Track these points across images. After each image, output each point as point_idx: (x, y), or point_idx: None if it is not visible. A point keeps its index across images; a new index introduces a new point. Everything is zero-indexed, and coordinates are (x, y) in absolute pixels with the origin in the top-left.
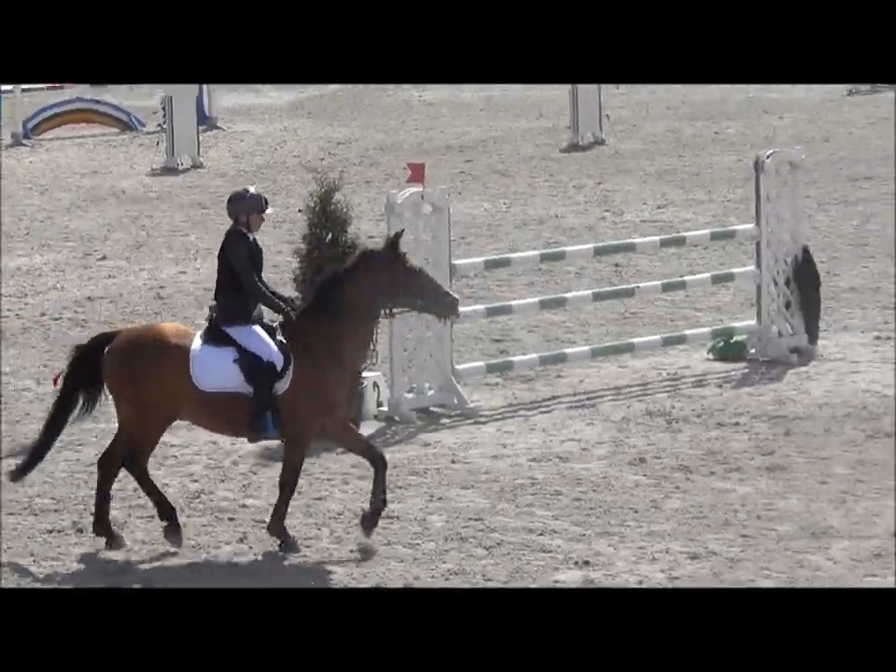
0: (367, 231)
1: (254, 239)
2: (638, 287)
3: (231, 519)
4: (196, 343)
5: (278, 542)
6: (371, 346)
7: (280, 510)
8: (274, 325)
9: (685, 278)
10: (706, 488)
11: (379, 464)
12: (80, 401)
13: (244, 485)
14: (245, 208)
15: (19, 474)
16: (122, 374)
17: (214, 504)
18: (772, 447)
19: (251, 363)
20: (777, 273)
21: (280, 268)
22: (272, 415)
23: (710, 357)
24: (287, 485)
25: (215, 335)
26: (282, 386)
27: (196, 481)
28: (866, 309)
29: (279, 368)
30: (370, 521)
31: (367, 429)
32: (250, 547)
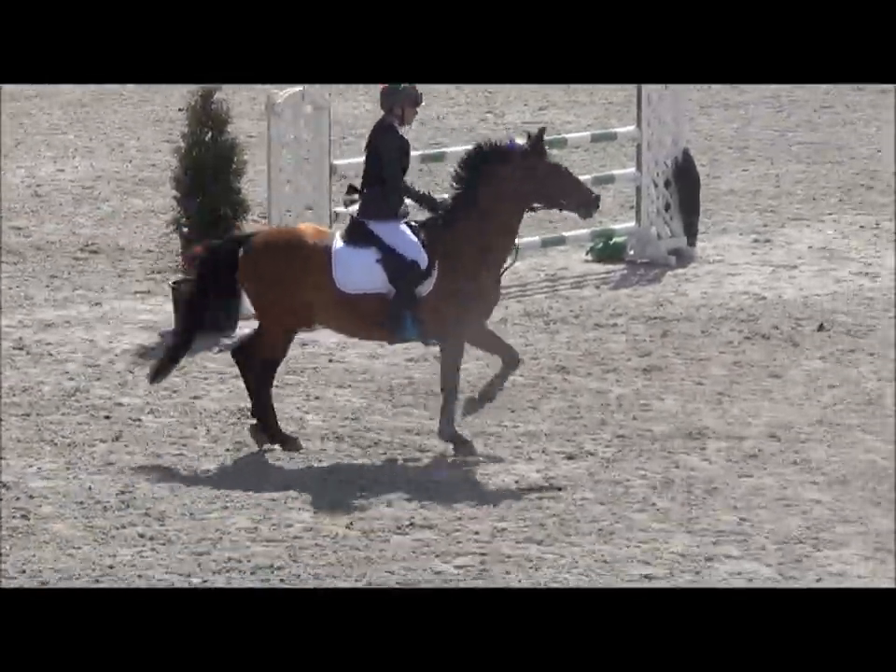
0: (247, 130)
1: (402, 133)
2: None
3: (106, 417)
4: (337, 243)
5: (452, 446)
6: (514, 245)
7: (447, 413)
8: (416, 225)
9: None
10: (582, 388)
11: (512, 363)
12: (213, 302)
13: (119, 384)
14: (401, 100)
15: (156, 376)
16: (260, 276)
17: (89, 402)
18: (649, 348)
19: (394, 263)
20: (658, 175)
21: (159, 167)
22: (411, 317)
23: (589, 258)
24: (448, 389)
25: (356, 235)
26: (425, 288)
27: (72, 379)
28: (745, 212)
29: (423, 268)
30: (473, 405)
31: (247, 328)
32: (126, 445)
